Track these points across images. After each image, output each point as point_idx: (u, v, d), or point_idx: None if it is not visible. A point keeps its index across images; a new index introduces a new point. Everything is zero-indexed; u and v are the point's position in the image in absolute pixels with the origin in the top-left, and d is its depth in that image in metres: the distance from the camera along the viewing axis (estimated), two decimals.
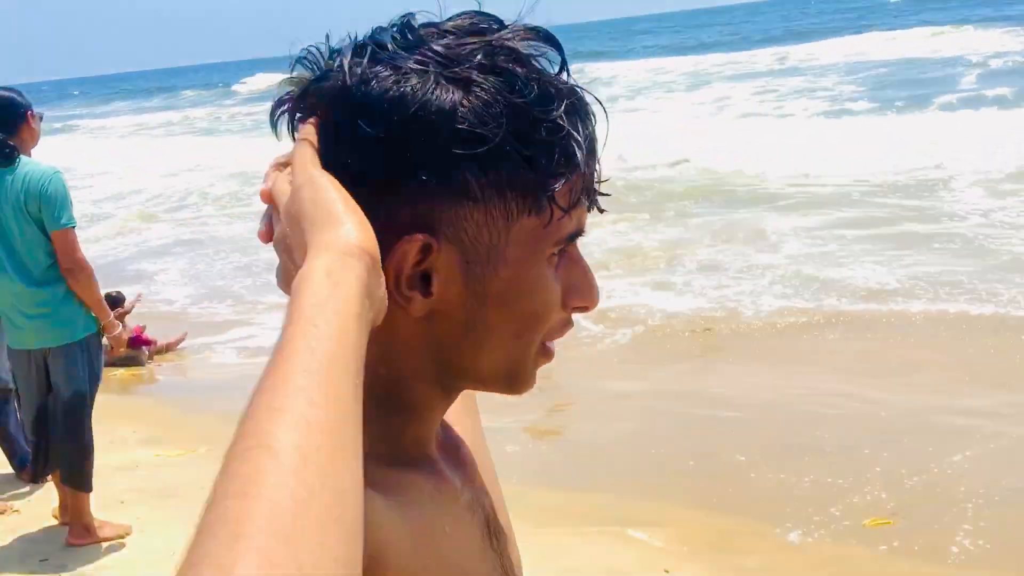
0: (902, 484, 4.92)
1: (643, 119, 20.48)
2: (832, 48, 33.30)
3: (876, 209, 11.58)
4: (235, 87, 55.57)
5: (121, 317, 8.65)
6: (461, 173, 0.75)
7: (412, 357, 0.82)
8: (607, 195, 0.84)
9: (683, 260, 10.00)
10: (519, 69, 0.75)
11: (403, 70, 0.75)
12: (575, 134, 0.77)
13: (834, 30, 41.24)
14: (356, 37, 0.79)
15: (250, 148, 19.99)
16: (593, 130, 0.80)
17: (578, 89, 0.79)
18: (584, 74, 27.12)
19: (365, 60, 0.76)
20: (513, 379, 0.85)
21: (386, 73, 0.75)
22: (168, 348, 8.71)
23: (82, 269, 4.48)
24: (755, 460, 5.33)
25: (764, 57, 34.22)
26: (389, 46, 0.76)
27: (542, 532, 4.35)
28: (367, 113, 0.74)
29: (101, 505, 4.84)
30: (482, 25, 0.78)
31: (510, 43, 0.76)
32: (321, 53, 0.80)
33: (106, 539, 4.69)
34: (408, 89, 0.74)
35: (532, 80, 0.75)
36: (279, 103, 0.81)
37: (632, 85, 30.76)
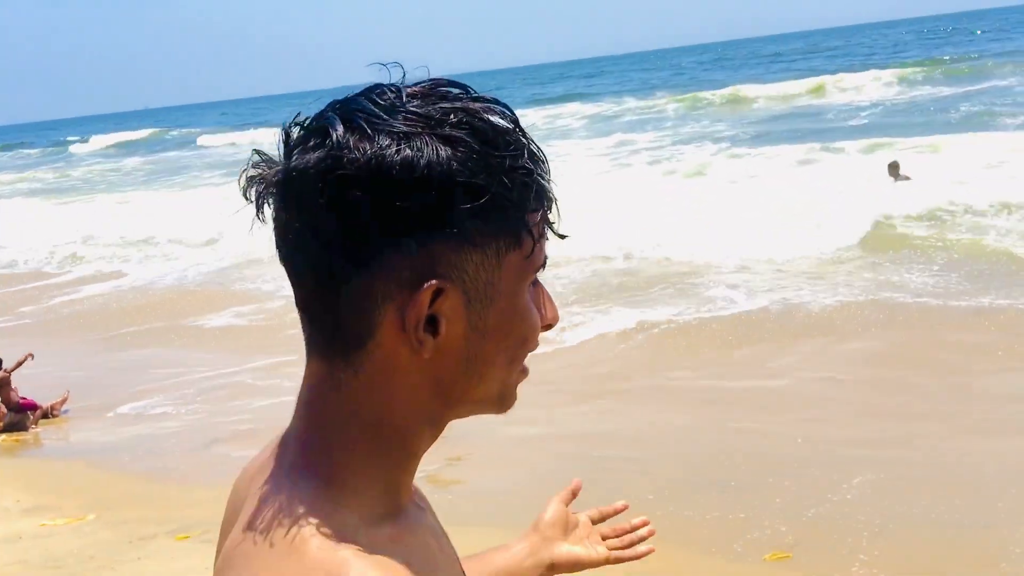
0: (801, 516, 5.04)
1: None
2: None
3: None
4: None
5: (5, 379, 8.24)
6: (463, 222, 0.82)
7: (415, 400, 0.87)
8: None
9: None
10: (489, 128, 0.84)
11: (399, 134, 0.81)
12: (540, 175, 0.87)
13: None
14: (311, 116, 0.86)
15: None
16: (547, 171, 0.89)
17: (531, 139, 0.88)
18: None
19: (354, 133, 0.82)
20: (503, 400, 0.93)
21: (387, 141, 0.81)
22: (53, 410, 8.34)
23: None
24: (661, 498, 5.39)
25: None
26: (370, 109, 0.83)
27: None
28: (374, 180, 0.80)
29: None
30: (441, 90, 0.85)
31: (474, 105, 0.84)
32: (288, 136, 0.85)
33: None
34: (410, 152, 0.81)
35: (501, 134, 0.84)
36: (257, 181, 0.86)
37: None
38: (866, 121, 24.27)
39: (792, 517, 5.02)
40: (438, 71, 0.88)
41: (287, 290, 0.97)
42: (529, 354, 0.93)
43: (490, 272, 0.85)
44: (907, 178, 14.14)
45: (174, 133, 58.23)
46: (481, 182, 0.82)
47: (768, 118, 27.74)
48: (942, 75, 32.49)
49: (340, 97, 0.86)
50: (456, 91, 0.85)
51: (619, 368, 8.19)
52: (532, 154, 0.87)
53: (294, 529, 0.81)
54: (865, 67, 36.87)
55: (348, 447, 0.86)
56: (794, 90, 33.44)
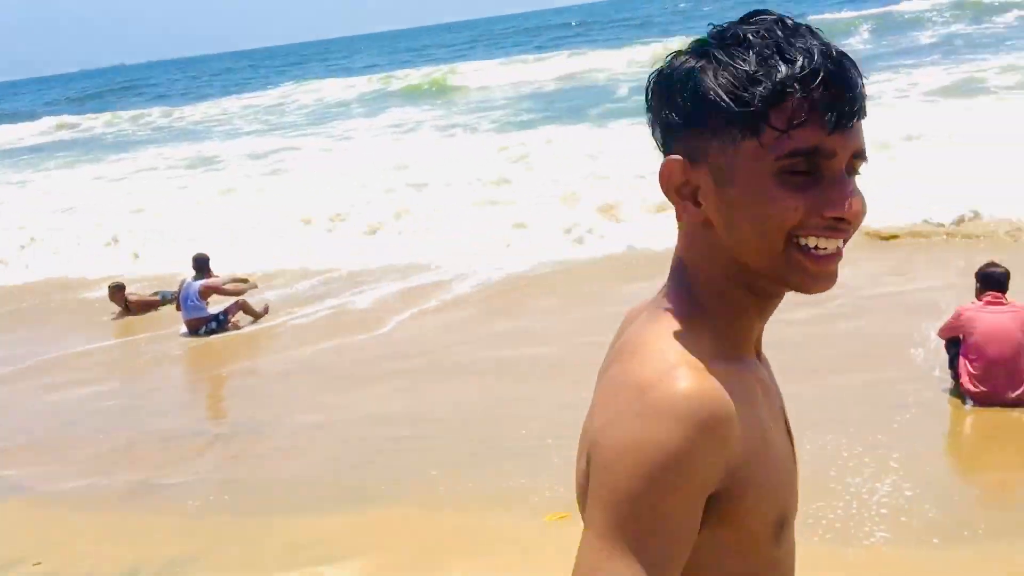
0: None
1: None
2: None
3: None
4: None
5: None
6: (708, 116, 1.07)
7: (707, 266, 1.14)
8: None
9: None
10: (752, 39, 1.07)
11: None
12: (788, 71, 1.04)
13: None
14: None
15: None
16: (823, 65, 1.04)
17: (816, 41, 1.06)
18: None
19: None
20: (783, 274, 1.09)
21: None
22: None
23: None
24: (444, 472, 5.49)
25: None
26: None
27: None
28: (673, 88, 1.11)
29: None
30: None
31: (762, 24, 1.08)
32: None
33: None
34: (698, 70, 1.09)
35: (762, 41, 1.06)
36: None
37: None
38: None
39: (570, 478, 5.21)
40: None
41: None
42: (811, 235, 1.07)
43: (728, 156, 1.07)
44: None
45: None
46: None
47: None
48: None
49: None
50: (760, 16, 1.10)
51: (401, 348, 8.24)
52: (802, 52, 1.05)
53: (657, 348, 1.08)
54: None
55: (683, 296, 1.14)
56: None
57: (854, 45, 26.06)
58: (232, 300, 9.71)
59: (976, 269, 5.97)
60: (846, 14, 32.09)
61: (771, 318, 1.19)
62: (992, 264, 5.93)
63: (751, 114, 1.04)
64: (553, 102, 24.25)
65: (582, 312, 8.66)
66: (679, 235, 1.17)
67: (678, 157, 1.10)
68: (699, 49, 1.10)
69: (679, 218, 1.15)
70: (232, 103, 37.63)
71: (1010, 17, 27.28)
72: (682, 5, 59.03)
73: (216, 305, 9.68)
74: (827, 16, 31.39)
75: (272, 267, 11.70)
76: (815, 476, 4.93)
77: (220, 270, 10.38)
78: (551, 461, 5.48)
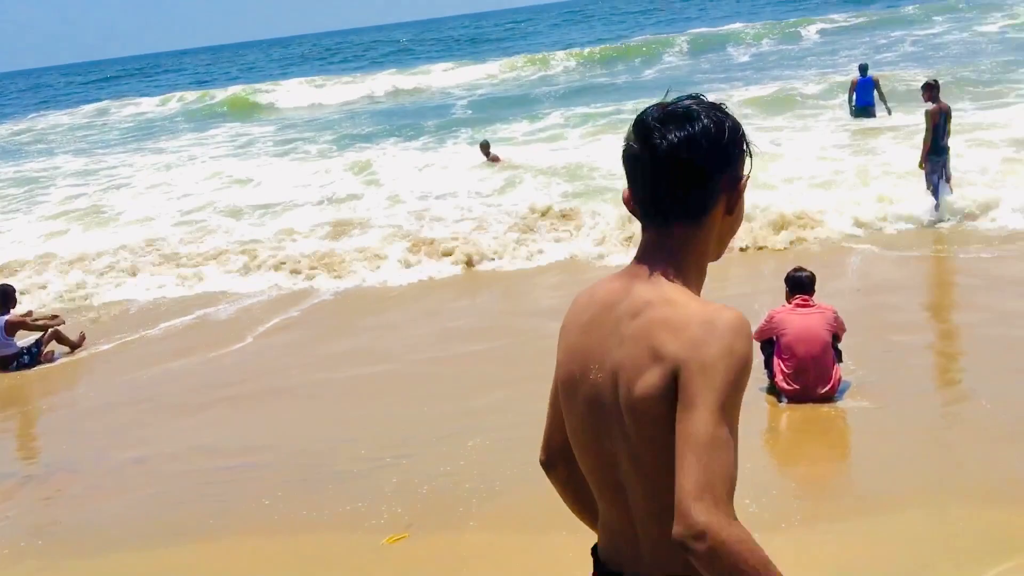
0: (416, 494, 5.25)
1: None
2: None
3: None
4: None
5: None
6: (742, 158, 1.72)
7: (713, 246, 1.75)
8: None
9: None
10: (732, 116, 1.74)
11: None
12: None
13: None
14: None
15: None
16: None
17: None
18: None
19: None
20: (722, 252, 1.80)
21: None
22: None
23: None
24: (276, 500, 5.32)
25: None
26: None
27: None
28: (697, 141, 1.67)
29: None
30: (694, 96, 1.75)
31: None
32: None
33: None
34: (718, 119, 1.70)
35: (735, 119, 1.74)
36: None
37: None
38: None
39: (408, 497, 5.21)
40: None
41: None
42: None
43: (740, 184, 1.72)
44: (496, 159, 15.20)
45: None
46: (746, 137, 1.73)
47: None
48: None
49: None
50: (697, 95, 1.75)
51: (225, 375, 7.96)
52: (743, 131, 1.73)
53: (685, 299, 1.66)
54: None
55: (685, 270, 1.70)
56: None
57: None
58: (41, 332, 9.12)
59: (784, 275, 6.34)
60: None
61: None
62: (799, 269, 6.31)
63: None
64: (389, 118, 24.22)
65: (418, 329, 8.65)
66: (662, 240, 1.70)
67: (740, 185, 1.75)
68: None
69: (703, 224, 1.71)
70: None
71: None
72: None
73: (27, 338, 9.07)
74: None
75: (95, 297, 11.13)
76: None
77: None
78: (389, 481, 5.42)
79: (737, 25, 36.08)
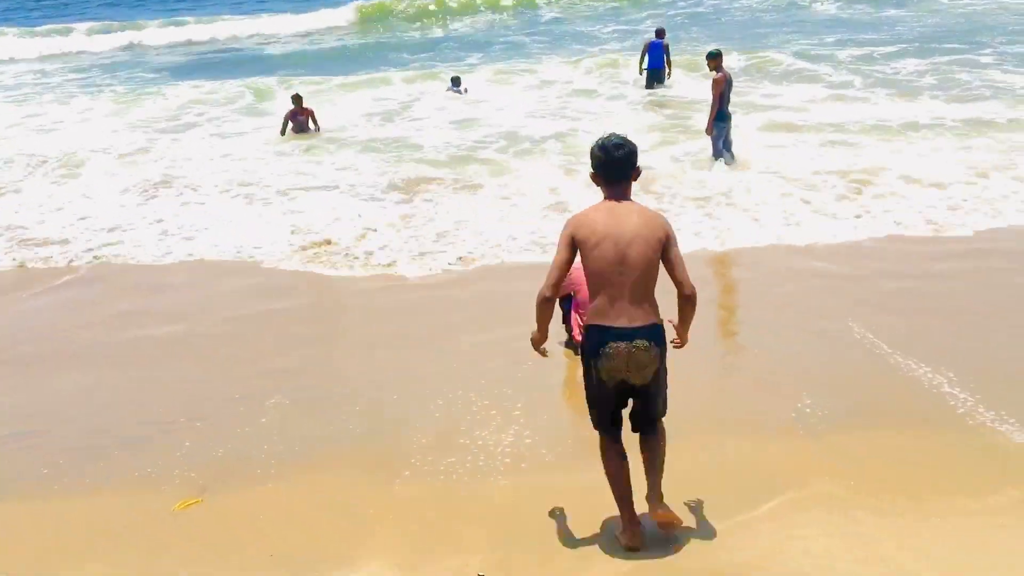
0: (211, 457, 5.07)
1: None
2: None
3: None
4: None
5: None
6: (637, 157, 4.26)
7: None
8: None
9: None
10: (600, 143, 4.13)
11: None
12: (600, 155, 4.07)
13: None
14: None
15: None
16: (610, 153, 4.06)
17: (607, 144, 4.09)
18: None
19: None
20: None
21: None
22: None
23: None
24: (58, 471, 5.00)
25: None
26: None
27: None
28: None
29: None
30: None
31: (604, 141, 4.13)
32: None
33: None
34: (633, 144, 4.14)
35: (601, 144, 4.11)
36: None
37: None
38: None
39: (202, 461, 5.02)
40: None
41: None
42: None
43: (639, 167, 4.18)
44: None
45: None
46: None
47: None
48: None
49: None
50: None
51: (9, 334, 7.35)
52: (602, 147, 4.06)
53: (643, 206, 4.08)
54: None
55: (630, 196, 4.10)
56: None
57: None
58: None
59: None
60: None
61: None
62: None
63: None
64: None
65: (211, 289, 8.30)
66: (622, 188, 4.02)
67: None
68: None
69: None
70: None
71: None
72: None
73: None
74: None
75: None
76: (449, 432, 5.17)
77: None
78: (182, 444, 5.20)
79: None
